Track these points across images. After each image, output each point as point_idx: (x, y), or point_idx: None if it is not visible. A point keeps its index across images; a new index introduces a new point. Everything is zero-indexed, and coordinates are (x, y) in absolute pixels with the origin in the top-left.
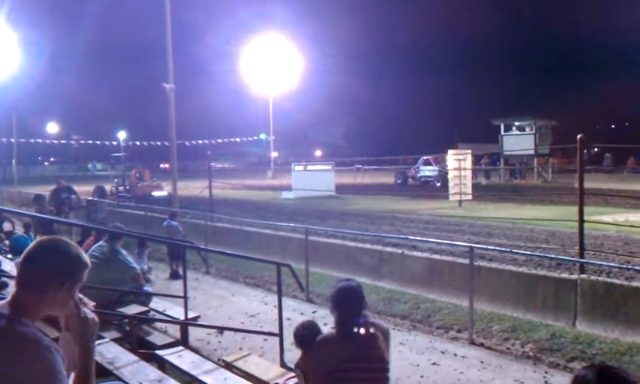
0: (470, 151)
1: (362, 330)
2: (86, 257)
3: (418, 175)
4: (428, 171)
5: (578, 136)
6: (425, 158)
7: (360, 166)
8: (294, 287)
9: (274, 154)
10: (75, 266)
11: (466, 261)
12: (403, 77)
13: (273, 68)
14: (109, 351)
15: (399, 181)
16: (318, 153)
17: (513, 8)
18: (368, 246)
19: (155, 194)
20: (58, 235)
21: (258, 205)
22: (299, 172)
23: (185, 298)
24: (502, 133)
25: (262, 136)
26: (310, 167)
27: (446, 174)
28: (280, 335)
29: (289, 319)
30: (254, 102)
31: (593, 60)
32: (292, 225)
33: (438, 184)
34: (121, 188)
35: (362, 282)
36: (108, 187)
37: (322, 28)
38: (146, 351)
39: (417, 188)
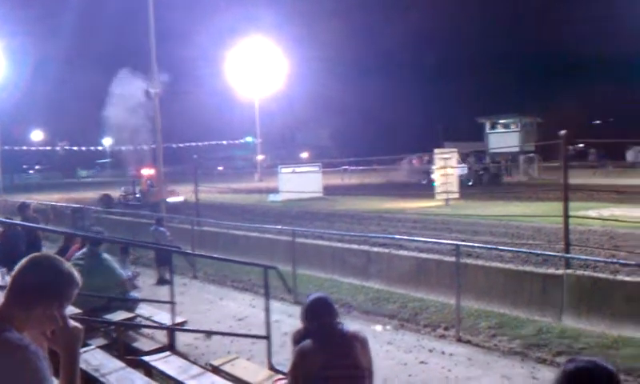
0: (455, 150)
1: (338, 338)
2: (77, 276)
3: None
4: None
5: (561, 132)
6: None
7: (347, 167)
8: (282, 289)
9: (261, 157)
10: (66, 285)
11: (453, 259)
12: (389, 77)
13: (258, 71)
14: (95, 358)
15: (424, 182)
16: (305, 155)
17: (497, 8)
18: (355, 246)
19: (170, 199)
20: (43, 241)
21: (245, 208)
22: (286, 174)
23: (172, 303)
24: (488, 130)
25: (249, 139)
26: (296, 169)
27: (476, 171)
28: (268, 338)
29: (277, 322)
30: (240, 105)
31: (578, 57)
32: (279, 227)
33: (470, 183)
34: (132, 196)
35: (350, 282)
36: (116, 194)
37: (307, 30)
38: (132, 357)
39: (405, 187)
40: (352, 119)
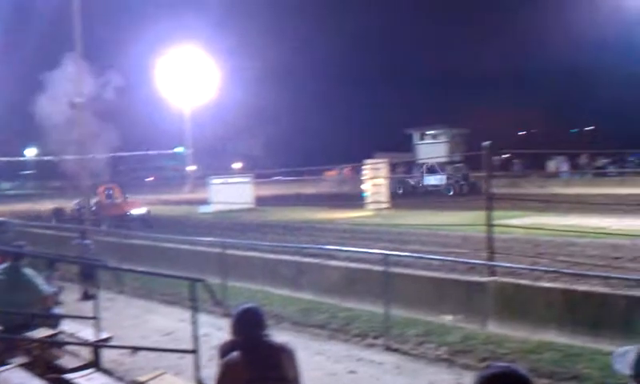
0: (386, 160)
1: (265, 350)
2: None
3: (423, 184)
4: (434, 180)
5: (485, 143)
6: (429, 165)
7: (280, 178)
8: (212, 302)
9: (192, 168)
10: None
11: (382, 268)
12: (321, 88)
13: (190, 80)
14: (15, 377)
15: (400, 191)
16: (238, 165)
17: (426, 20)
18: (286, 257)
19: (134, 212)
20: None
21: (175, 220)
22: (217, 185)
23: (96, 318)
24: (417, 142)
25: (180, 149)
26: (228, 180)
27: (456, 181)
28: (195, 352)
29: (206, 335)
30: (172, 114)
31: (503, 70)
32: (208, 239)
33: (451, 193)
34: (86, 209)
35: (281, 293)
36: (69, 207)
37: (238, 40)
38: (55, 376)
39: (336, 198)
40: (284, 129)
